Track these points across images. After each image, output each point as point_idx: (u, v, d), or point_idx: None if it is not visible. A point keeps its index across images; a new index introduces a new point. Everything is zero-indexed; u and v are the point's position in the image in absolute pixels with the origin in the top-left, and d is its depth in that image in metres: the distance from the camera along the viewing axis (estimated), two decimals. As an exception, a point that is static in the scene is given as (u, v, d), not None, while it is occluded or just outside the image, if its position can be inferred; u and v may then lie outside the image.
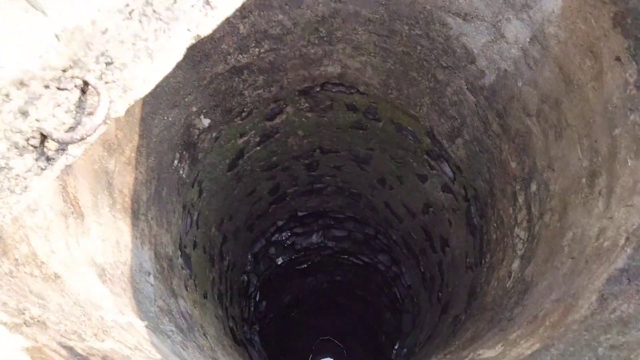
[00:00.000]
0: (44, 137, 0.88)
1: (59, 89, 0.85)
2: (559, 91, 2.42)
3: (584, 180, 2.14)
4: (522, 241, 2.65)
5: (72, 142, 0.84)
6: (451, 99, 3.42)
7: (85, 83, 0.88)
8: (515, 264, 2.61)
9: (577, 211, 2.08)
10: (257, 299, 6.20)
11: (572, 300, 1.53)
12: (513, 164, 2.90)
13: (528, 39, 2.58)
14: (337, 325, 9.84)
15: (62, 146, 0.89)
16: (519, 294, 2.28)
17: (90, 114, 0.89)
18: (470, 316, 2.95)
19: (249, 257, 5.63)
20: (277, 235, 5.89)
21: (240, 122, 4.18)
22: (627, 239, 1.59)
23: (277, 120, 4.44)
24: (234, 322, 4.78)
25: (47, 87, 0.84)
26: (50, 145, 0.88)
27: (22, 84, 0.83)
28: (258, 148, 4.57)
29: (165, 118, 3.39)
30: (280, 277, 6.58)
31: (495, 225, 3.14)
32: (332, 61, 3.91)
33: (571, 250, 1.96)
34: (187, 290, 3.44)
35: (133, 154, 3.04)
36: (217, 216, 4.58)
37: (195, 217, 4.09)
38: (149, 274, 2.77)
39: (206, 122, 3.92)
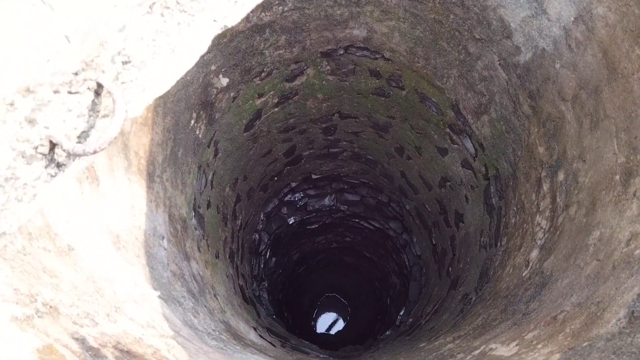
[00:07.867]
0: (53, 145, 0.81)
1: (70, 93, 0.77)
2: (600, 78, 2.27)
3: (617, 177, 2.03)
4: (543, 230, 2.57)
5: (84, 154, 0.78)
6: (481, 73, 3.26)
7: (99, 85, 0.80)
8: (534, 253, 2.55)
9: (607, 210, 1.99)
10: (267, 256, 6.28)
11: (597, 310, 1.48)
12: (541, 149, 2.78)
13: (572, 18, 2.41)
14: (343, 284, 10.02)
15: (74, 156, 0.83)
16: (536, 287, 2.23)
17: (105, 116, 0.82)
18: (482, 299, 2.93)
19: (262, 216, 5.65)
20: (290, 195, 5.88)
21: (259, 82, 4.07)
22: (661, 249, 1.51)
23: (297, 82, 4.32)
24: (243, 280, 4.85)
25: (56, 92, 0.76)
26: (61, 151, 0.82)
27: (28, 90, 0.75)
28: (276, 109, 4.47)
29: (183, 76, 3.29)
30: (291, 235, 6.63)
31: (515, 209, 3.06)
32: (358, 24, 3.73)
33: (597, 250, 1.89)
34: (199, 251, 3.47)
35: (149, 114, 2.97)
36: (232, 176, 4.55)
37: (210, 177, 4.07)
38: (163, 237, 2.78)
39: (224, 81, 3.81)
